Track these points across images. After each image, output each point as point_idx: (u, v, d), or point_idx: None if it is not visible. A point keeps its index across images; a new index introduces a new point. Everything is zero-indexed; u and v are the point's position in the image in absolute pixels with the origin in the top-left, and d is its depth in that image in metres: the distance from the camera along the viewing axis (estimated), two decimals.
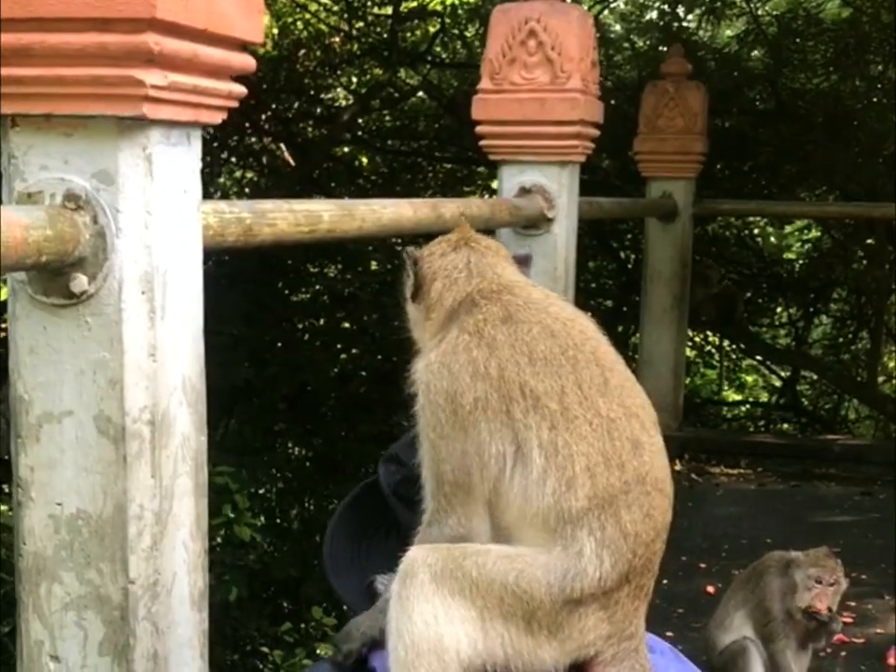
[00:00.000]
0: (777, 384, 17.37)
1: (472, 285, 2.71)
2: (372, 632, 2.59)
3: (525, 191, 5.78)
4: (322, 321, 14.49)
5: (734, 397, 18.41)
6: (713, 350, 17.07)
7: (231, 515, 9.76)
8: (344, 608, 2.93)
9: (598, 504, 2.41)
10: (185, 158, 2.83)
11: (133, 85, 2.56)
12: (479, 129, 5.82)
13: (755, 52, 13.58)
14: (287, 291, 14.52)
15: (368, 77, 15.36)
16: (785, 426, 16.77)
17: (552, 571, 2.41)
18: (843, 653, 5.67)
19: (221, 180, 16.58)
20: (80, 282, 2.66)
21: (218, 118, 2.91)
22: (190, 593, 2.95)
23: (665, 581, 6.39)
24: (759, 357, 16.59)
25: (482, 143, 5.86)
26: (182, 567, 2.91)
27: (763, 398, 18.17)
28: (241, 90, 2.92)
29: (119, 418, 2.71)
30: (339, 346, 14.30)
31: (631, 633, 2.48)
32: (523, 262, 2.96)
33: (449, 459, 2.55)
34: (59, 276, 2.66)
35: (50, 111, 2.63)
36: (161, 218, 2.74)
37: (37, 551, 2.80)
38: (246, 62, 2.89)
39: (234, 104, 2.93)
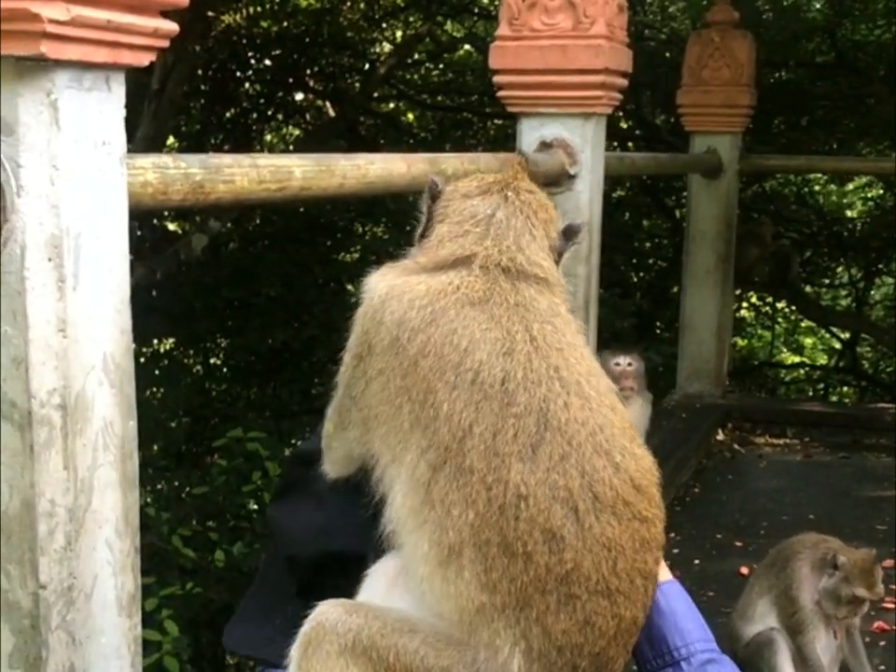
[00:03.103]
0: (837, 346, 16.90)
1: (481, 248, 2.20)
2: None
3: (545, 146, 5.39)
4: None
5: (792, 359, 17.94)
6: (769, 311, 16.62)
7: (260, 482, 9.53)
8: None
9: (505, 604, 1.96)
10: (103, 105, 2.47)
11: (28, 20, 2.22)
12: (496, 78, 5.43)
13: (814, 2, 13.05)
14: (332, 252, 14.27)
15: (412, 30, 14.98)
16: (844, 389, 16.32)
17: None
18: (882, 643, 5.27)
19: (268, 138, 16.37)
20: None
21: (145, 59, 2.55)
22: (118, 597, 2.62)
23: (696, 561, 6.04)
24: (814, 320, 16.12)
25: (499, 94, 5.47)
26: (105, 568, 2.58)
27: (822, 360, 17.70)
28: (171, 26, 2.55)
29: (24, 402, 2.38)
30: None
31: None
32: (569, 235, 2.41)
33: (350, 390, 2.21)
34: None
35: None
36: (71, 174, 2.39)
37: None
38: None
39: (164, 43, 2.57)
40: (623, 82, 5.54)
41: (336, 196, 3.55)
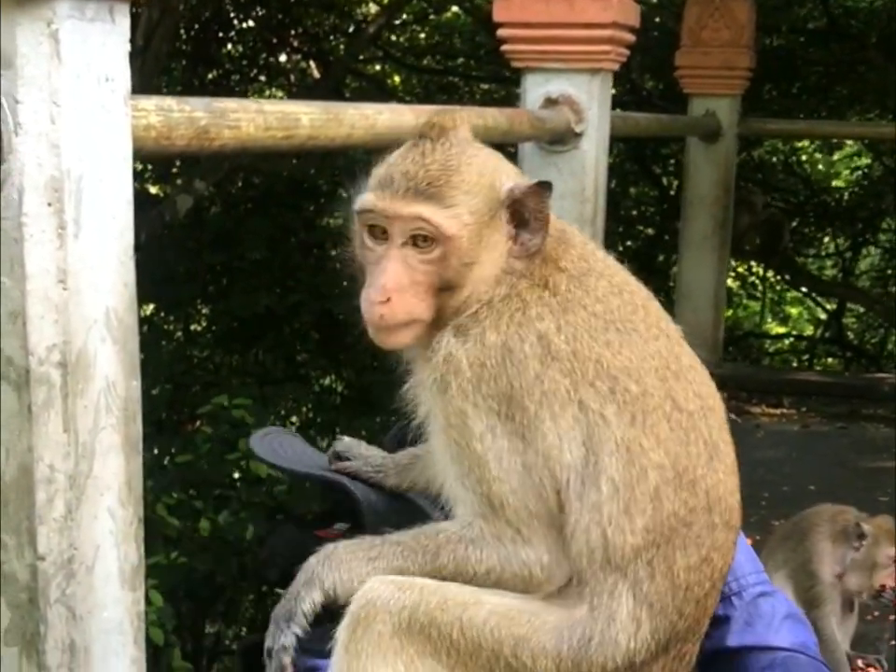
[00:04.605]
0: (823, 316, 16.83)
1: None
2: None
3: (551, 102, 5.22)
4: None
5: (777, 329, 17.86)
6: (757, 281, 16.50)
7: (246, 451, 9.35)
8: None
9: (653, 541, 1.84)
10: (106, 38, 2.29)
11: None
12: (500, 32, 5.26)
13: None
14: (317, 216, 14.06)
15: None
16: (829, 360, 16.23)
17: (567, 640, 1.82)
18: (892, 617, 5.15)
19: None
20: None
21: None
22: (120, 569, 2.45)
23: None
24: (804, 290, 16.00)
25: (504, 48, 5.30)
26: (107, 538, 2.40)
27: (808, 331, 17.62)
28: None
29: (21, 359, 2.21)
30: None
31: None
32: None
33: (507, 478, 1.88)
34: None
35: None
36: (72, 112, 2.21)
37: None
38: None
39: None
40: (631, 38, 5.38)
41: (344, 147, 3.38)
